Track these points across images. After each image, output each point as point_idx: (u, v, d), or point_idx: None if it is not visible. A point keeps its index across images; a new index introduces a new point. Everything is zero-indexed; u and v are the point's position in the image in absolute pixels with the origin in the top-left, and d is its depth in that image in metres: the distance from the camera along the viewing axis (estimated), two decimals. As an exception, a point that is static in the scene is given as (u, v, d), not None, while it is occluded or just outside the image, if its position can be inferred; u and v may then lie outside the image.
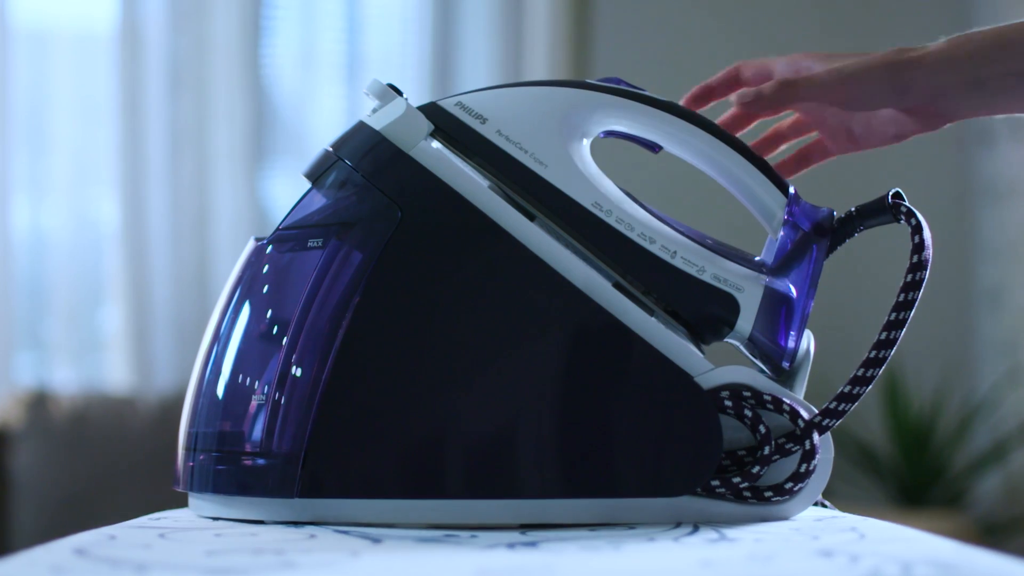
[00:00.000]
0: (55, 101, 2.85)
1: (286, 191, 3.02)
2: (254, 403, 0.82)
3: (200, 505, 0.85)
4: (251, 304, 0.85)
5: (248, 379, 0.83)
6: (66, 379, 2.83)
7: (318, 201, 0.85)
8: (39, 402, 2.80)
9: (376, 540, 0.74)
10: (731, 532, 0.78)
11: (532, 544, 0.73)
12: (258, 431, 0.82)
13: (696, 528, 0.80)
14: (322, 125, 3.03)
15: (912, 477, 3.16)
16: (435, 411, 0.81)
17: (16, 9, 2.80)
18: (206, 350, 0.86)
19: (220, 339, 0.85)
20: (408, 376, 0.81)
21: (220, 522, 0.83)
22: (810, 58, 0.91)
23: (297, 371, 0.81)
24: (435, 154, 0.84)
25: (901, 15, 3.31)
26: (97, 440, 2.81)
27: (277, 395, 0.81)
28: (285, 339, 0.82)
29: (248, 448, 0.82)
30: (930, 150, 3.27)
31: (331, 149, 0.86)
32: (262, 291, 0.86)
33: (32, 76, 2.84)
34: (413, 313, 0.82)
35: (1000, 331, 3.31)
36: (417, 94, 3.02)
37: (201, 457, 0.84)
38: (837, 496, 0.97)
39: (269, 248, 0.86)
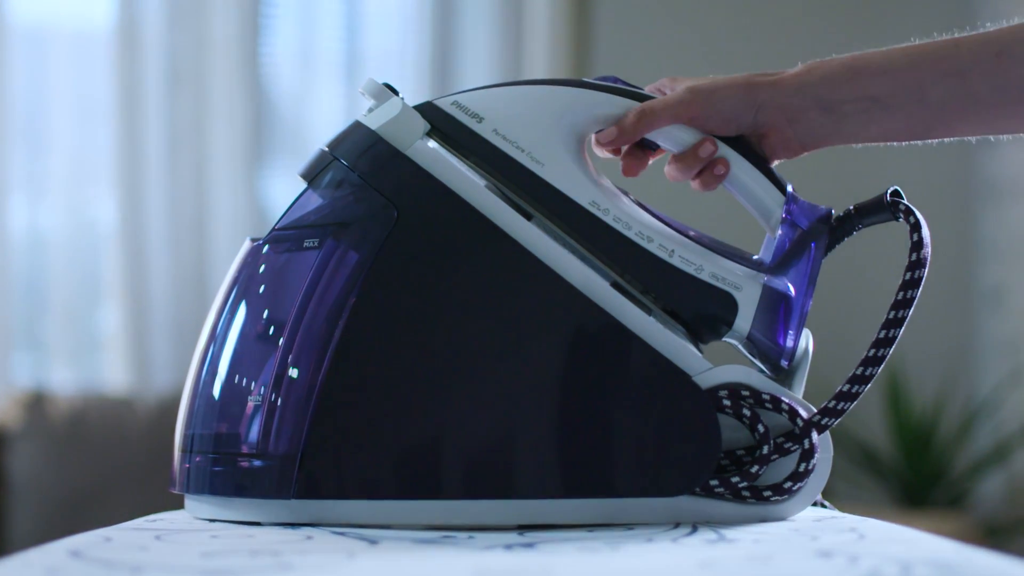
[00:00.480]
0: (53, 99, 2.84)
1: (285, 190, 3.01)
2: (251, 404, 0.82)
3: (196, 507, 0.85)
4: (247, 305, 0.85)
5: (244, 380, 0.83)
6: (64, 380, 2.82)
7: (314, 201, 0.85)
8: (36, 403, 2.79)
9: (373, 541, 0.74)
10: (730, 533, 0.78)
11: (530, 545, 0.73)
12: (255, 432, 0.81)
13: (695, 529, 0.80)
14: (321, 124, 3.02)
15: (914, 478, 3.16)
16: (432, 412, 0.81)
17: (13, 6, 2.80)
18: (202, 351, 0.86)
19: (216, 340, 0.85)
20: (405, 376, 0.81)
21: (216, 524, 0.82)
22: (675, 81, 0.91)
23: (294, 372, 0.81)
24: (431, 153, 0.84)
25: (902, 15, 3.31)
26: (95, 441, 2.81)
27: (274, 396, 0.81)
28: (281, 340, 0.82)
29: (245, 449, 0.82)
30: (932, 149, 3.26)
31: (327, 149, 0.86)
32: (258, 292, 0.85)
33: (30, 74, 2.83)
34: (410, 313, 0.81)
35: (1002, 331, 3.31)
36: (416, 93, 3.01)
37: (197, 459, 0.84)
38: (838, 497, 0.96)
39: (265, 248, 0.85)
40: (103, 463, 2.81)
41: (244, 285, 0.86)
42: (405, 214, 0.82)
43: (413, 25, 3.03)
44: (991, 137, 0.91)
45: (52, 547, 0.70)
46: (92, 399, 2.82)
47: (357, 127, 0.86)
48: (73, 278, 2.84)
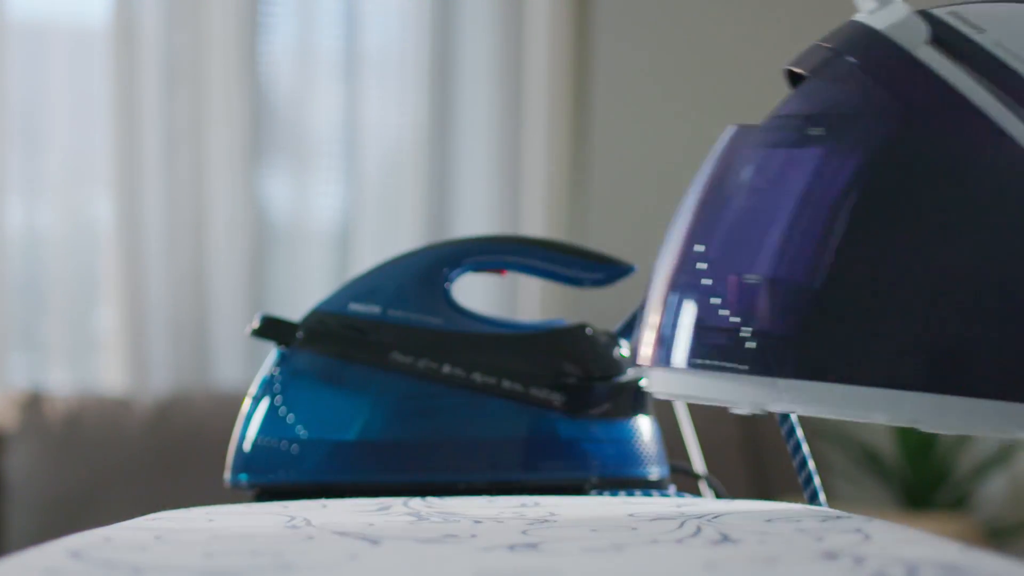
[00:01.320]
0: (49, 98, 2.84)
1: (284, 189, 3.00)
2: (747, 282, 0.82)
3: (668, 381, 0.85)
4: (740, 184, 0.85)
5: (741, 255, 0.83)
6: (61, 380, 2.82)
7: (813, 94, 0.86)
8: (33, 403, 2.79)
9: (375, 542, 0.74)
10: (734, 533, 0.78)
11: (532, 545, 0.73)
12: (752, 309, 0.81)
13: (699, 530, 0.80)
14: (320, 123, 3.02)
15: (917, 479, 3.16)
16: (932, 305, 0.80)
17: (10, 4, 2.80)
18: (689, 225, 0.85)
19: (706, 214, 0.85)
20: (908, 269, 0.81)
21: (217, 524, 0.82)
22: None
23: (798, 251, 0.81)
24: (937, 58, 0.85)
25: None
26: (92, 442, 2.80)
27: (774, 274, 0.81)
28: (783, 221, 0.82)
29: (737, 325, 0.81)
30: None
31: (826, 44, 0.87)
32: (754, 172, 0.85)
33: (26, 72, 2.83)
34: (915, 209, 0.82)
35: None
36: (416, 92, 3.01)
37: (684, 330, 0.84)
38: (841, 498, 0.96)
39: (764, 132, 0.86)
40: (100, 464, 2.81)
41: (740, 165, 0.86)
42: (912, 114, 0.83)
43: (412, 23, 3.03)
44: None
45: (51, 547, 0.69)
46: (89, 400, 2.82)
47: (859, 25, 0.86)
48: (70, 278, 2.84)
